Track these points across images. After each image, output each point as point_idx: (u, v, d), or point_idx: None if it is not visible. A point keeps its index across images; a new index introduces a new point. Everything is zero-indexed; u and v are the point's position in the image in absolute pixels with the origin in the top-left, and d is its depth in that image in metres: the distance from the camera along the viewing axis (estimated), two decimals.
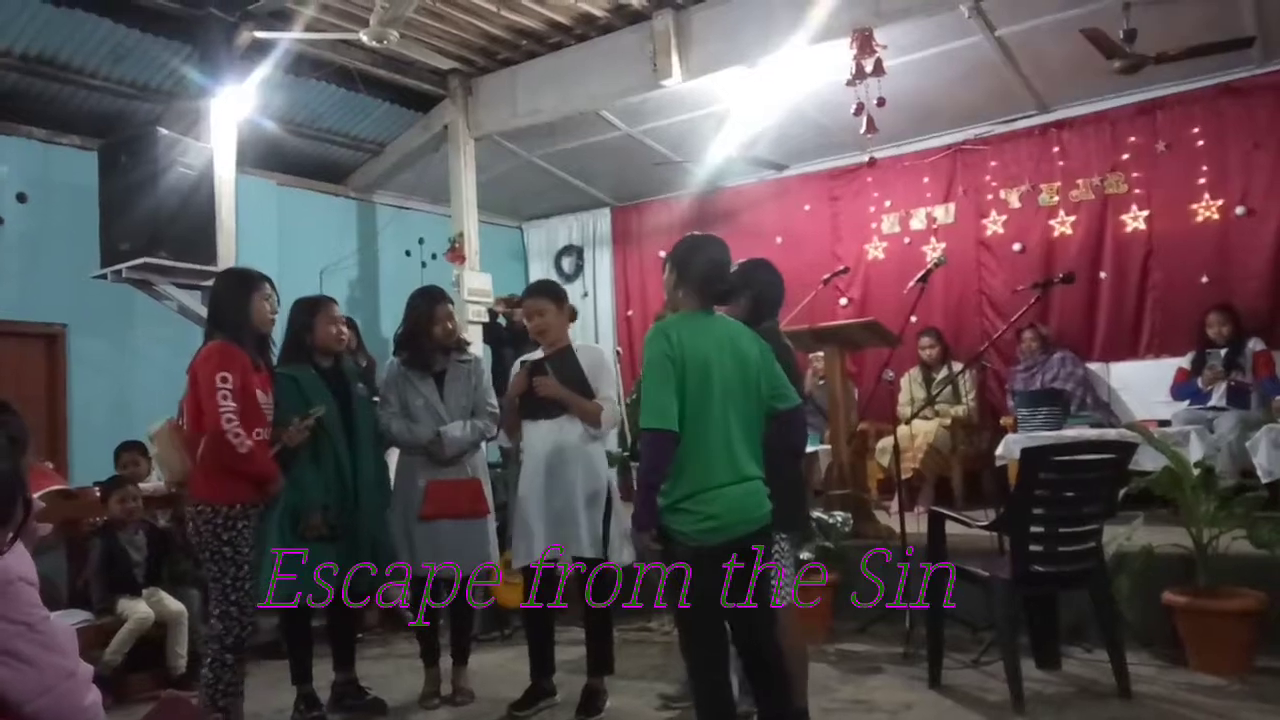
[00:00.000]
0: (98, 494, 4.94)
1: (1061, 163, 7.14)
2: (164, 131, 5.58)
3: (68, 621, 4.13)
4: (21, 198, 6.13)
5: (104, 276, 5.64)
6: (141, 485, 5.06)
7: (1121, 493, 4.04)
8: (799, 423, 3.06)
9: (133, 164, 5.53)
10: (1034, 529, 3.72)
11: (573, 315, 4.28)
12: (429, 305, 4.20)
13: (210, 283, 5.88)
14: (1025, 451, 3.87)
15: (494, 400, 4.31)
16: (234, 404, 3.49)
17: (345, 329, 4.18)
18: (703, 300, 2.95)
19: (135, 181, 5.50)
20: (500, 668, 4.68)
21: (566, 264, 9.63)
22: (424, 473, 4.14)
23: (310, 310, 4.05)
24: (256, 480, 3.59)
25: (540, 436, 3.94)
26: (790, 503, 3.14)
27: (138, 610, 4.58)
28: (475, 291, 7.33)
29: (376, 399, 4.33)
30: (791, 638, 3.19)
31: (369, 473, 4.09)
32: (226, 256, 5.82)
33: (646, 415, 2.79)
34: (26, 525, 1.61)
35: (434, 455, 4.11)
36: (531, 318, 4.05)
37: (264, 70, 5.97)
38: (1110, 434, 5.37)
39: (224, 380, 3.49)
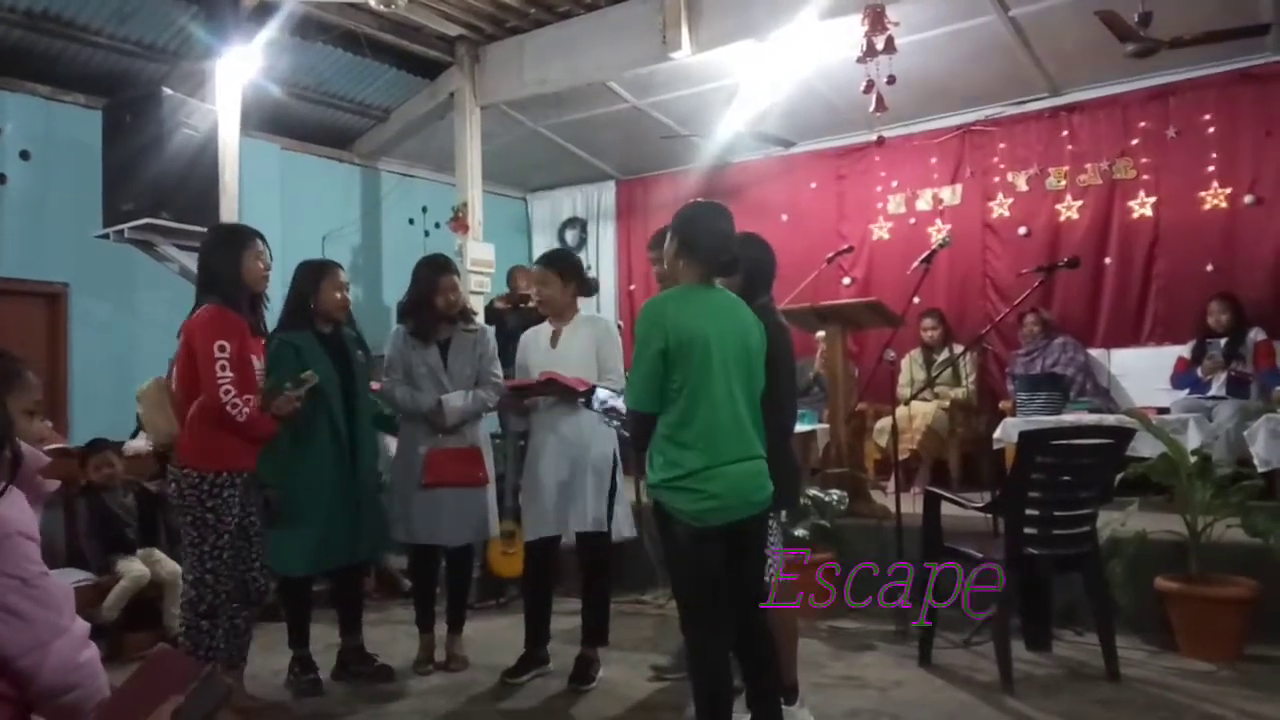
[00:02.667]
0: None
1: (1070, 147, 7.10)
2: (169, 92, 5.54)
3: (65, 580, 4.19)
4: (25, 155, 6.11)
5: (106, 236, 5.62)
6: (128, 445, 5.08)
7: (1118, 478, 4.05)
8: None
9: (138, 124, 5.49)
10: (1029, 512, 3.74)
11: (585, 290, 4.20)
12: (434, 274, 4.19)
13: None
14: (1023, 435, 3.88)
15: (499, 370, 4.31)
16: (231, 374, 3.41)
17: (348, 295, 4.17)
18: (705, 271, 2.86)
19: (140, 142, 5.47)
20: (495, 635, 4.71)
21: (570, 236, 9.60)
22: (425, 441, 4.15)
23: (316, 274, 4.03)
24: (259, 441, 3.57)
25: (551, 412, 3.97)
26: (782, 481, 3.12)
27: (133, 569, 4.61)
28: (478, 262, 7.31)
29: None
30: (780, 615, 3.18)
31: (369, 442, 4.11)
32: (229, 219, 5.78)
33: (629, 394, 2.84)
34: (21, 474, 1.60)
35: (435, 423, 4.11)
36: (536, 287, 4.06)
37: (270, 32, 5.92)
38: (1109, 420, 5.37)
39: (222, 349, 3.41)
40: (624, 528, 4.06)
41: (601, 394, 3.06)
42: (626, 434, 3.25)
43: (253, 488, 3.63)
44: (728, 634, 2.84)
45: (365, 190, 8.32)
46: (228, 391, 3.40)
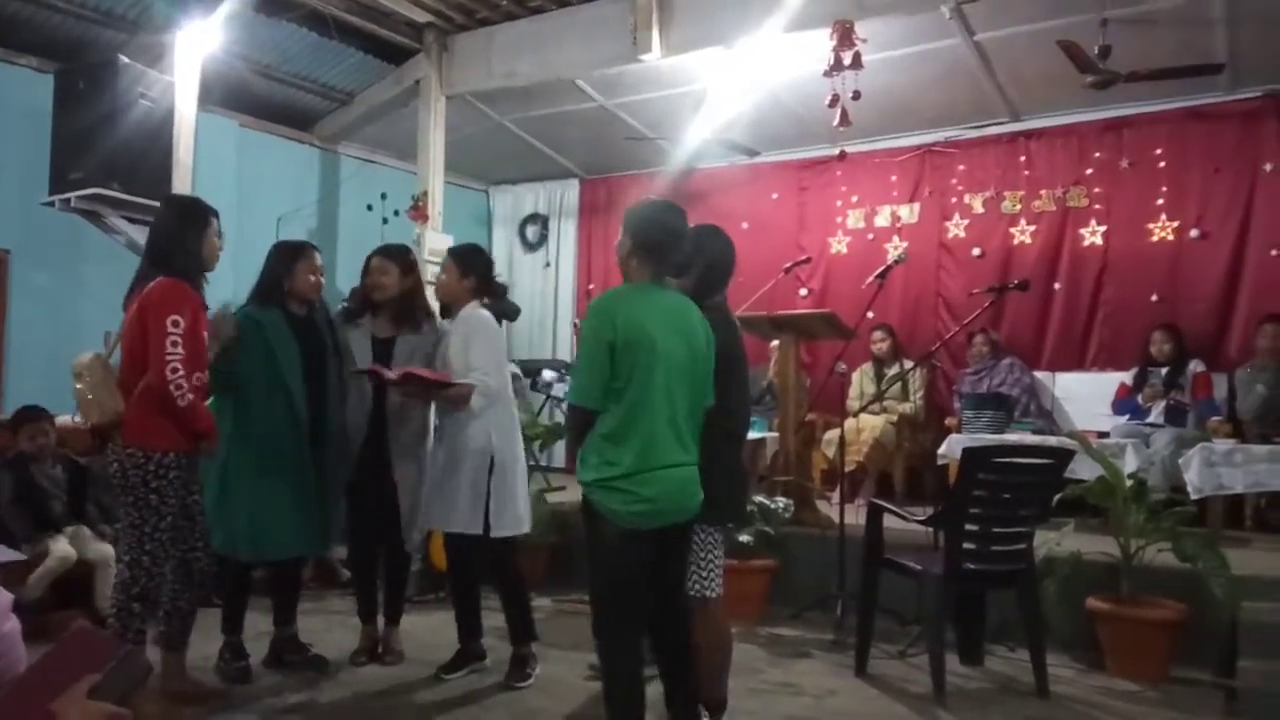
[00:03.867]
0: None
1: (1027, 172, 7.23)
2: (127, 61, 5.43)
3: None
4: None
5: (52, 204, 5.48)
6: (61, 418, 4.94)
7: (1056, 498, 4.13)
8: (713, 424, 2.92)
9: (92, 92, 5.37)
10: (969, 527, 3.79)
11: (488, 291, 4.06)
12: (291, 257, 3.98)
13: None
14: (966, 451, 3.94)
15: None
16: (182, 351, 3.32)
17: (322, 279, 4.06)
18: (655, 270, 2.84)
19: (94, 110, 5.35)
20: (434, 629, 4.65)
21: (531, 232, 9.56)
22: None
23: (292, 255, 3.96)
24: (191, 433, 3.44)
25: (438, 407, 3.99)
26: (730, 490, 3.09)
27: (59, 549, 4.48)
28: (436, 252, 7.21)
29: None
30: (717, 629, 3.15)
31: (332, 430, 3.98)
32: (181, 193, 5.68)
33: (573, 389, 2.81)
34: None
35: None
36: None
37: (233, 6, 5.80)
38: (1050, 440, 5.48)
39: (175, 325, 3.31)
40: (503, 525, 3.86)
41: (546, 375, 3.05)
42: None
43: (196, 467, 3.54)
44: (640, 639, 2.82)
45: (324, 173, 8.19)
46: (175, 370, 3.31)
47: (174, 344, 3.31)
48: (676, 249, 2.86)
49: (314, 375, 3.91)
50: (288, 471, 3.83)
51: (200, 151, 5.94)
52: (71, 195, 5.32)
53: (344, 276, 7.90)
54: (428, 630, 4.64)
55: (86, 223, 5.65)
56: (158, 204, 5.40)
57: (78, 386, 3.48)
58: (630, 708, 2.78)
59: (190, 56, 5.82)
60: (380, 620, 4.29)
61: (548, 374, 3.43)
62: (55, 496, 4.71)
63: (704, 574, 3.09)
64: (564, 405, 3.30)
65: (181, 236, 3.51)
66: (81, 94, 5.41)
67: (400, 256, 4.17)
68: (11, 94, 6.02)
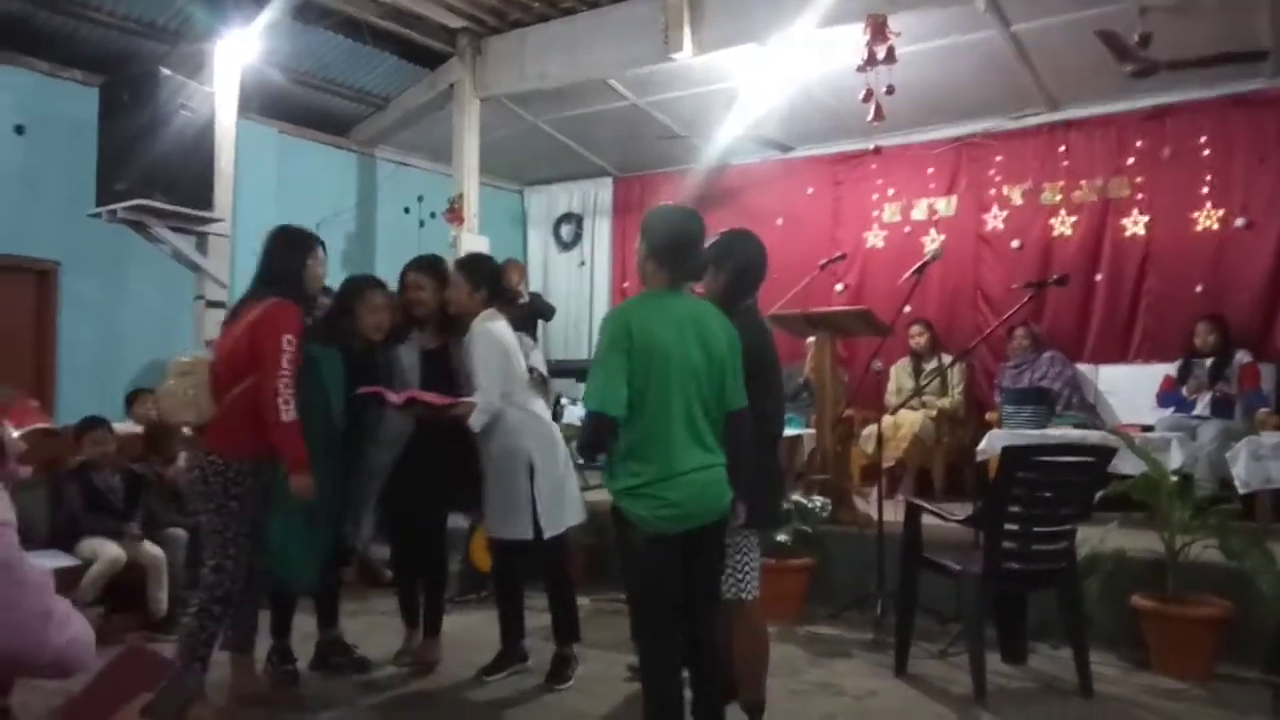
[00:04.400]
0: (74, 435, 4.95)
1: (1066, 163, 7.12)
2: (168, 73, 5.53)
3: (46, 563, 4.18)
4: (20, 130, 6.07)
5: (99, 215, 5.61)
6: (118, 426, 5.08)
7: (1098, 495, 4.08)
8: (739, 426, 2.91)
9: (135, 104, 5.48)
10: (1009, 527, 3.76)
11: (500, 297, 4.11)
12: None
13: (212, 230, 5.91)
14: (1006, 450, 3.90)
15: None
16: (291, 370, 3.42)
17: (387, 316, 4.05)
18: (672, 276, 2.84)
19: (137, 122, 5.45)
20: (475, 629, 4.71)
21: (565, 232, 9.60)
22: None
23: (355, 293, 4.02)
24: (281, 454, 3.48)
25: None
26: (765, 494, 3.09)
27: (108, 552, 4.60)
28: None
29: None
30: (753, 631, 3.17)
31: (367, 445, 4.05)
32: (223, 203, 5.80)
33: (589, 396, 2.77)
34: (4, 468, 1.61)
35: None
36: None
37: (271, 15, 5.91)
38: (1093, 436, 5.41)
39: (289, 343, 3.43)
40: (560, 523, 3.95)
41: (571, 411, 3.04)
42: None
43: (273, 478, 3.61)
44: (678, 642, 2.83)
45: (361, 177, 8.30)
46: (287, 385, 3.41)
47: (289, 361, 3.42)
48: (693, 254, 2.86)
49: (360, 412, 3.96)
50: (317, 510, 3.79)
51: (241, 159, 6.06)
52: (118, 206, 5.44)
53: (382, 278, 8.01)
54: (469, 631, 4.70)
55: (132, 233, 5.77)
56: (200, 214, 5.56)
57: (173, 383, 3.57)
58: (668, 709, 2.80)
59: (230, 66, 5.94)
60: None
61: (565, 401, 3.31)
62: (115, 505, 4.84)
63: (740, 576, 3.11)
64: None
65: (290, 263, 3.66)
66: (125, 106, 5.53)
67: (433, 269, 4.19)
68: (59, 106, 6.17)
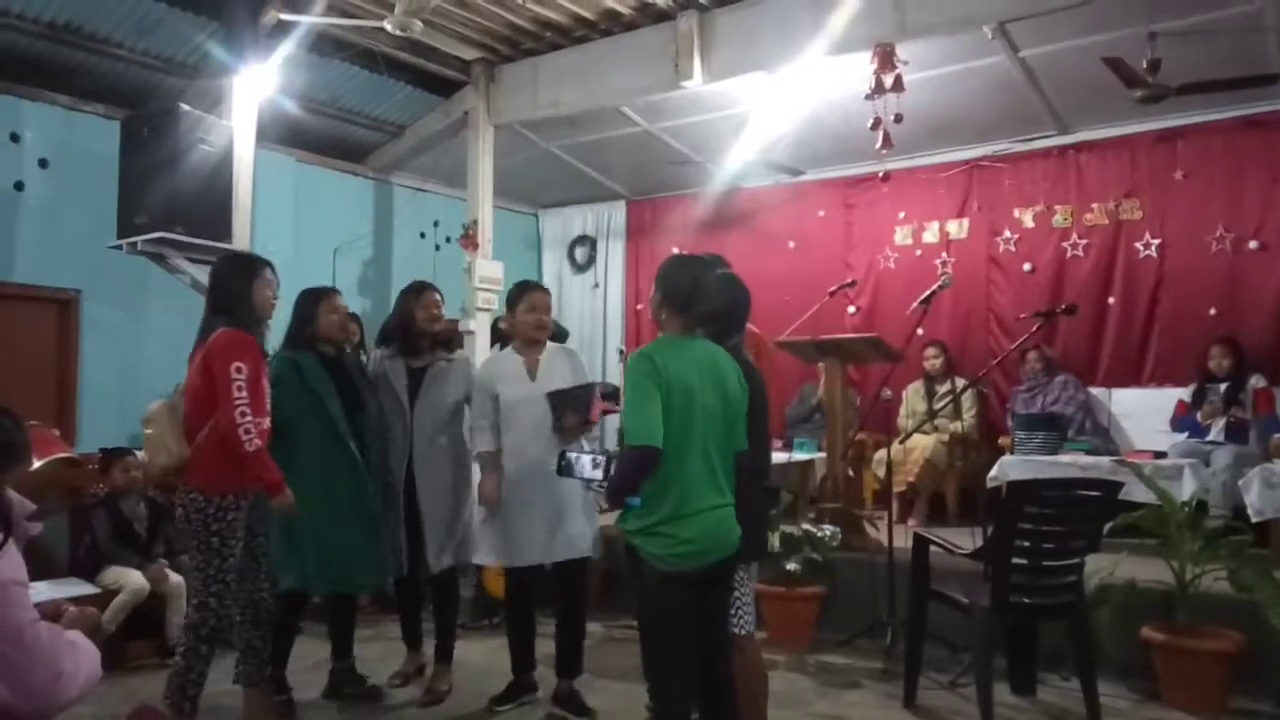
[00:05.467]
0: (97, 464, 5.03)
1: (1078, 185, 7.13)
2: (187, 108, 5.63)
3: (65, 591, 4.27)
4: (43, 164, 6.20)
5: (119, 247, 5.72)
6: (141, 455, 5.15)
7: (1108, 526, 4.07)
8: (742, 466, 2.99)
9: (155, 138, 5.59)
10: (1016, 560, 3.76)
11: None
12: (414, 295, 4.30)
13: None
14: (1012, 485, 3.91)
15: None
16: (247, 396, 3.44)
17: (347, 318, 4.23)
18: (686, 322, 2.94)
19: (157, 156, 5.56)
20: (487, 657, 4.75)
21: (579, 254, 9.67)
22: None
23: (314, 300, 4.12)
24: (255, 481, 3.52)
25: (524, 435, 3.98)
26: (753, 528, 3.10)
27: (132, 581, 4.68)
28: (486, 279, 7.38)
29: None
30: (750, 665, 3.19)
31: (376, 465, 4.14)
32: (242, 234, 5.89)
33: (633, 433, 2.79)
34: (16, 531, 1.66)
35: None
36: (541, 315, 4.12)
37: (287, 49, 6.01)
38: (1104, 463, 5.40)
39: (239, 371, 3.44)
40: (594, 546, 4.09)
41: (584, 461, 3.04)
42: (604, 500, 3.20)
43: (258, 508, 3.66)
44: (692, 680, 2.87)
45: (378, 203, 8.40)
46: (244, 414, 3.42)
47: (239, 388, 3.43)
48: (704, 299, 2.95)
49: (352, 412, 4.06)
50: (349, 507, 3.97)
51: (259, 187, 6.15)
52: (138, 239, 5.54)
53: None
54: (479, 657, 4.74)
55: (152, 264, 5.88)
56: (219, 245, 5.65)
57: (147, 432, 3.65)
58: None
59: (247, 99, 6.03)
60: (430, 647, 4.40)
61: (584, 460, 3.18)
62: (139, 533, 4.93)
63: (734, 611, 3.15)
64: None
65: (236, 288, 3.66)
66: (145, 141, 5.63)
67: (439, 291, 4.41)
68: (82, 140, 6.30)
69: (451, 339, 4.53)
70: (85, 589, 4.64)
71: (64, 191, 6.24)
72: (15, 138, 6.08)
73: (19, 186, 6.10)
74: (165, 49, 6.28)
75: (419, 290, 4.30)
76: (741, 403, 2.96)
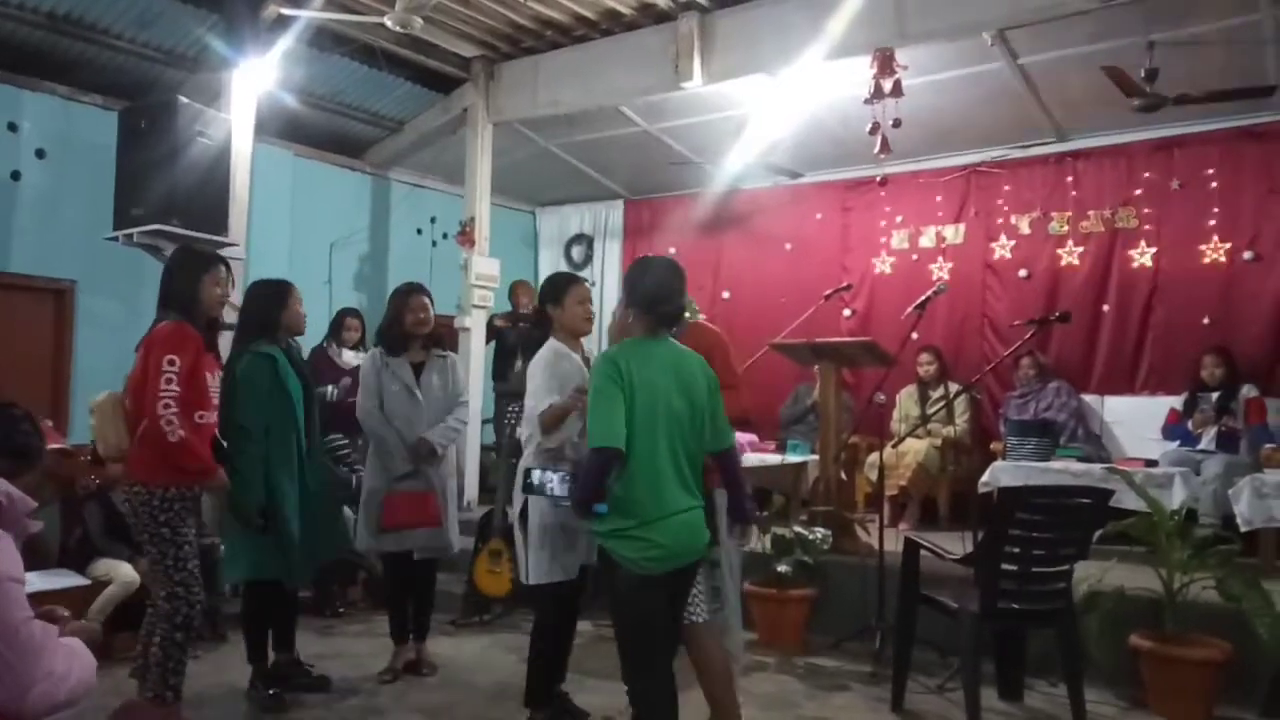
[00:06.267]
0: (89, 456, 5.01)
1: (1074, 193, 7.14)
2: (185, 101, 5.61)
3: (55, 582, 4.26)
4: (40, 154, 6.19)
5: (115, 239, 5.70)
6: None
7: (1098, 534, 4.09)
8: (734, 463, 3.10)
9: (153, 131, 5.56)
10: (1005, 566, 3.77)
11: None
12: (404, 296, 4.45)
13: (227, 254, 5.97)
14: (1002, 492, 3.92)
15: (467, 396, 4.68)
16: (176, 389, 3.41)
17: (303, 312, 4.32)
18: (651, 323, 2.96)
19: (154, 148, 5.53)
20: (478, 655, 4.76)
21: (576, 252, 9.67)
22: (382, 482, 4.32)
23: (282, 291, 4.18)
24: (185, 470, 3.50)
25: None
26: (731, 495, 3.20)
27: (123, 573, 4.67)
28: (482, 276, 7.39)
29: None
30: (702, 650, 3.26)
31: (318, 457, 4.26)
32: (238, 228, 5.88)
33: (594, 435, 2.81)
34: (8, 519, 1.66)
35: (421, 455, 4.32)
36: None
37: (287, 43, 6.01)
38: (1095, 471, 5.42)
39: (171, 363, 3.42)
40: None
41: (553, 479, 2.99)
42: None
43: (198, 504, 3.66)
44: (670, 677, 2.90)
45: (375, 199, 8.39)
46: (167, 406, 3.40)
47: (168, 381, 3.41)
48: (669, 301, 2.98)
49: (309, 405, 4.14)
50: (298, 496, 4.00)
51: (257, 181, 6.15)
52: (134, 231, 5.53)
53: None
54: (472, 654, 4.75)
55: (148, 255, 5.87)
56: (215, 239, 5.64)
57: (91, 422, 3.67)
58: None
59: (246, 93, 6.03)
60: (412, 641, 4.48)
61: (544, 476, 3.09)
62: (129, 525, 4.91)
63: (690, 600, 3.20)
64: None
65: (180, 282, 3.67)
66: (143, 132, 5.61)
67: (429, 292, 4.54)
68: (80, 130, 6.30)
69: (442, 338, 4.63)
70: (76, 580, 4.65)
71: (61, 182, 6.23)
72: (13, 127, 6.08)
73: (16, 176, 6.10)
74: (165, 41, 6.28)
75: (407, 293, 4.44)
76: (711, 403, 2.98)
